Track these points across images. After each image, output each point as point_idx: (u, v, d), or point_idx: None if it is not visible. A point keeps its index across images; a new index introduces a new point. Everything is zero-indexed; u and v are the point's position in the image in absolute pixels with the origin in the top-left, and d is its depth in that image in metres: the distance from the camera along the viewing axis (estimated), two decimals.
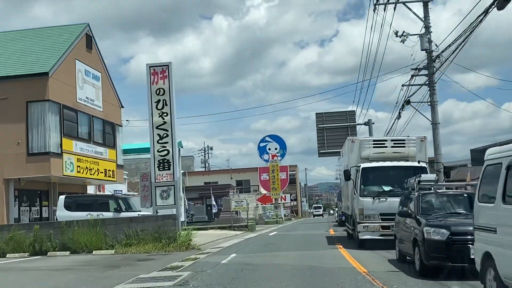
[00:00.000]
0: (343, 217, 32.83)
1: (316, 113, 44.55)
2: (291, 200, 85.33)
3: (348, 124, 43.18)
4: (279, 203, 54.06)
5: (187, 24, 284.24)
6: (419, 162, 15.81)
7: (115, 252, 16.32)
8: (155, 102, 17.87)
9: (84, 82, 24.76)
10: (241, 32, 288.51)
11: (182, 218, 27.99)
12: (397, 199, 14.98)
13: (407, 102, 26.82)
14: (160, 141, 17.72)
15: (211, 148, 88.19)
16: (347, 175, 16.48)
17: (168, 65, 18.06)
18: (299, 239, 21.38)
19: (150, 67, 18.09)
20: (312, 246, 17.69)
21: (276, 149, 61.97)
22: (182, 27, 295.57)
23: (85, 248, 16.86)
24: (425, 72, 26.54)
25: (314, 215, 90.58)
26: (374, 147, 17.10)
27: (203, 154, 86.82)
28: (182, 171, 57.65)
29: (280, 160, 63.96)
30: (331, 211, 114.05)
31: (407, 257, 11.62)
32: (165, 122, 17.76)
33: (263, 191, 60.33)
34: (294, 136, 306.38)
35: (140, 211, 20.51)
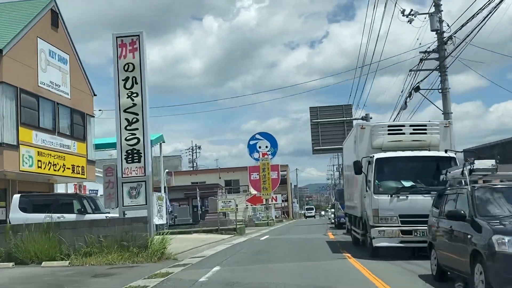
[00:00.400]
0: (342, 218, 29.87)
1: (310, 108, 41.63)
2: (282, 201, 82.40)
3: (345, 119, 40.27)
4: (270, 204, 50.96)
5: (178, 25, 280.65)
6: (446, 151, 12.80)
7: (70, 263, 13.12)
8: (123, 80, 14.66)
9: (48, 64, 21.49)
10: (232, 33, 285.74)
11: (163, 221, 24.87)
12: (421, 197, 12.14)
13: (416, 89, 23.89)
14: (128, 127, 14.53)
15: (199, 148, 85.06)
16: (358, 167, 13.39)
17: (139, 35, 14.85)
18: (296, 245, 18.28)
19: (117, 37, 14.88)
20: (314, 254, 14.60)
21: (266, 147, 59.06)
22: (173, 28, 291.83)
23: (35, 258, 13.63)
24: (435, 56, 23.67)
25: (306, 217, 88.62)
26: (389, 134, 14.03)
27: (190, 153, 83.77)
28: (167, 170, 54.69)
29: (271, 158, 61.07)
30: (323, 212, 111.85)
31: (448, 273, 8.63)
32: (134, 104, 14.57)
33: (253, 192, 57.30)
34: (284, 137, 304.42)
35: (109, 212, 17.30)
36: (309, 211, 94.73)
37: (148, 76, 14.88)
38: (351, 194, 17.02)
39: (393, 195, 12.46)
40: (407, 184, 12.80)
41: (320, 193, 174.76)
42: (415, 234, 12.13)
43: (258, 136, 61.03)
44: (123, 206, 14.28)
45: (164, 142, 28.41)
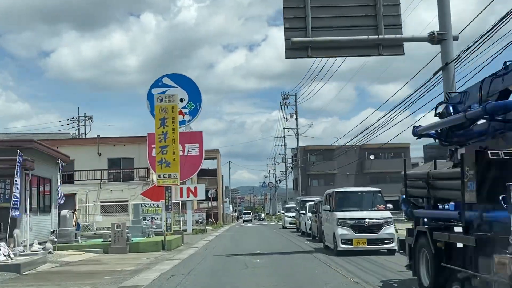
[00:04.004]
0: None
1: None
2: (210, 198, 55.40)
3: None
4: (177, 201, 24.45)
5: (114, 19, 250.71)
6: None
7: None
8: None
9: None
10: (170, 32, 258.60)
11: None
12: None
13: None
14: None
15: (90, 118, 57.30)
16: None
17: None
18: None
19: None
20: None
21: (182, 100, 32.93)
22: (108, 23, 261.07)
23: None
24: None
25: (244, 220, 75.59)
26: None
27: (76, 125, 56.04)
28: None
29: (189, 120, 35.00)
30: (262, 216, 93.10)
31: None
32: None
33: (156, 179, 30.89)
34: (217, 139, 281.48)
35: None
36: (246, 215, 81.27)
37: None
38: None
39: None
40: None
41: (252, 195, 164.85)
42: None
43: (167, 81, 34.57)
44: None
45: None
